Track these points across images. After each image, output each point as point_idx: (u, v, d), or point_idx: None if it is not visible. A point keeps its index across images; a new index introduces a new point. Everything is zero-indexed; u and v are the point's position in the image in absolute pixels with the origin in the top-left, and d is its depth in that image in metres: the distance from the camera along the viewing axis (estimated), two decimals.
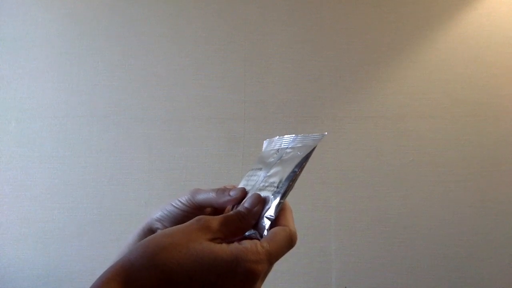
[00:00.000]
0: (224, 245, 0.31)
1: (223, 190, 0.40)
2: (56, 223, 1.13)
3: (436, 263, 1.06)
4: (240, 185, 0.44)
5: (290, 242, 0.34)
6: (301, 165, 0.37)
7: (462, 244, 1.06)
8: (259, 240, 0.33)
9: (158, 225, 0.43)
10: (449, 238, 1.07)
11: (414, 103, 1.11)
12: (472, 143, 1.09)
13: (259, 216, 0.36)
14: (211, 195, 0.40)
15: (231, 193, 0.40)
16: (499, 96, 1.10)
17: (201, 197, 0.41)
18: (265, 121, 1.13)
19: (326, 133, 0.39)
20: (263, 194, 0.38)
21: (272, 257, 0.32)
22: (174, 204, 0.42)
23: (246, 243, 0.31)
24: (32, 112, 1.17)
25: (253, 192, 0.39)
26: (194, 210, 0.41)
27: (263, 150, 0.47)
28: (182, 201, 0.42)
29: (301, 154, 0.38)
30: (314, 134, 0.39)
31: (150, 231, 0.44)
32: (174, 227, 0.33)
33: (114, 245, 1.09)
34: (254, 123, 1.13)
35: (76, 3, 1.20)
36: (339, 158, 1.11)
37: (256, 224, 0.36)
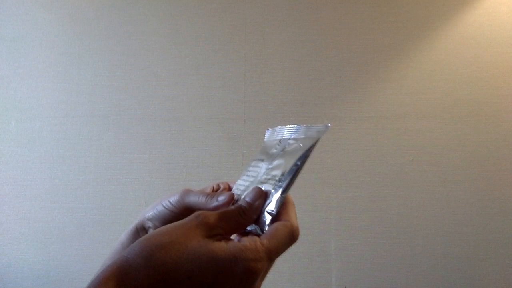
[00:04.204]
0: (222, 244, 0.30)
1: (212, 195, 0.40)
2: (56, 223, 1.13)
3: (436, 263, 1.06)
4: (242, 177, 0.43)
5: (291, 238, 0.33)
6: (303, 158, 0.36)
7: (462, 244, 1.06)
8: (259, 235, 0.33)
9: (150, 224, 0.43)
10: (449, 238, 1.07)
11: (414, 103, 1.11)
12: (472, 143, 1.09)
13: (261, 210, 0.36)
14: (200, 200, 0.40)
15: (219, 198, 0.39)
16: (499, 96, 1.10)
17: (191, 199, 0.41)
18: (265, 121, 1.13)
19: (329, 124, 0.38)
20: (264, 187, 0.37)
21: (272, 254, 0.31)
22: (164, 205, 0.42)
23: (245, 241, 0.31)
24: (32, 112, 1.17)
25: (254, 185, 0.38)
26: (183, 211, 0.41)
27: (265, 139, 0.46)
28: (172, 202, 0.42)
29: (304, 147, 0.37)
30: (317, 125, 0.38)
31: (143, 229, 0.44)
32: (172, 224, 0.32)
33: (114, 245, 1.09)
34: (254, 123, 1.13)
35: (76, 3, 1.20)
36: (339, 158, 1.11)
37: (258, 219, 0.35)
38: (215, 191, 0.46)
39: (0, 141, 1.17)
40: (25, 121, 1.17)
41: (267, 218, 0.35)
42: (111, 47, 1.18)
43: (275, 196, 0.35)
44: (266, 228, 0.34)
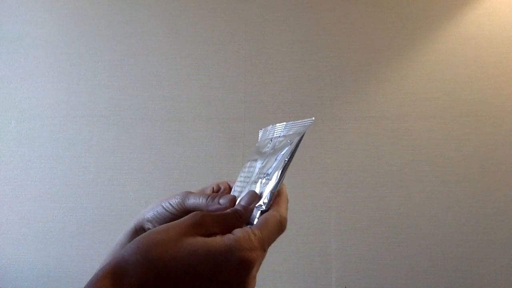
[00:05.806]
0: (217, 237, 0.31)
1: (213, 197, 0.41)
2: (56, 223, 1.13)
3: (436, 263, 1.06)
4: (239, 178, 0.44)
5: (280, 227, 0.34)
6: (291, 153, 0.37)
7: (462, 244, 1.06)
8: (249, 228, 0.33)
9: (149, 225, 0.43)
10: (449, 238, 1.07)
11: (414, 103, 1.11)
12: (472, 143, 1.09)
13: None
14: (201, 201, 0.41)
15: (221, 201, 0.40)
16: (499, 96, 1.10)
17: (191, 201, 0.41)
18: (265, 121, 1.13)
19: (313, 118, 0.39)
20: (258, 187, 0.38)
21: (265, 243, 0.32)
22: (164, 207, 0.43)
23: (238, 232, 0.32)
24: (32, 112, 1.17)
25: (249, 186, 0.39)
26: (183, 214, 0.41)
27: (258, 140, 0.47)
28: (173, 204, 0.42)
29: (292, 142, 0.38)
30: (303, 120, 0.40)
31: (142, 230, 0.44)
32: (169, 223, 0.33)
33: (113, 245, 1.09)
34: (254, 123, 1.13)
35: (76, 3, 1.20)
36: (339, 158, 1.11)
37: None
38: (216, 191, 0.46)
39: (0, 141, 1.17)
40: (25, 121, 1.17)
41: (257, 214, 0.36)
42: (111, 47, 1.18)
43: (265, 193, 0.36)
44: (255, 222, 0.35)
